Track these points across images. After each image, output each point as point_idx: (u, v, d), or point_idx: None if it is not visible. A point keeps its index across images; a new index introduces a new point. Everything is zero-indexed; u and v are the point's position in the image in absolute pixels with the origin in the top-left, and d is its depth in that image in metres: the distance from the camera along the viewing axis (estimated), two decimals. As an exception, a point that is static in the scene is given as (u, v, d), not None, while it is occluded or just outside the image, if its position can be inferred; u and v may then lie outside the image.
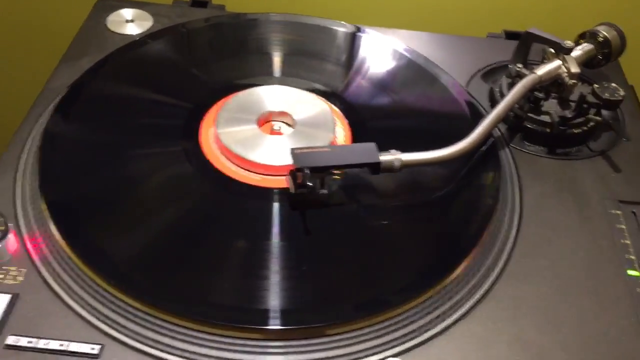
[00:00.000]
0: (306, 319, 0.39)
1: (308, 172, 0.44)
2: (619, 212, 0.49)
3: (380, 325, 0.40)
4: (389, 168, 0.46)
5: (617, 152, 0.54)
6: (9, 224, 0.43)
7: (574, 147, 0.55)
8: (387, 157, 0.46)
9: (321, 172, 0.45)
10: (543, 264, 0.45)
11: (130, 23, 0.64)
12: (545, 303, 0.43)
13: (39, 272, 0.42)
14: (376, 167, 0.46)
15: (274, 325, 0.39)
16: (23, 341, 0.39)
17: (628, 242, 0.47)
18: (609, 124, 0.54)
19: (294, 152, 0.45)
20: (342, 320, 0.39)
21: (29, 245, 0.43)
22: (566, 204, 0.50)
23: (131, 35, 0.62)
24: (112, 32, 0.63)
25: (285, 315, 0.39)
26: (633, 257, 0.46)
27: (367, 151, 0.46)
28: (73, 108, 0.51)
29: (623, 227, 0.48)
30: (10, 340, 0.39)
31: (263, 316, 0.39)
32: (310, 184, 0.43)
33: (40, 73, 0.61)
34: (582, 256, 0.46)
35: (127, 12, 0.64)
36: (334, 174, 0.46)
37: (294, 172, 0.45)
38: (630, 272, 0.45)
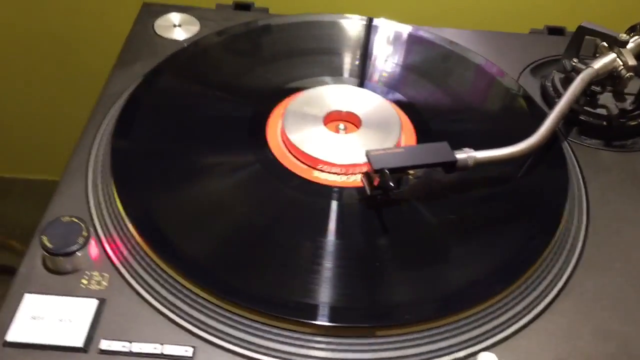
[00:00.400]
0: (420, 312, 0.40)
1: (388, 173, 0.44)
2: (685, 201, 0.50)
3: (472, 318, 0.40)
4: (464, 166, 0.47)
5: (673, 143, 0.55)
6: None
7: (630, 139, 0.55)
8: (462, 155, 0.46)
9: (398, 172, 0.45)
10: (616, 255, 0.46)
11: (177, 27, 0.64)
12: (623, 293, 0.43)
13: (123, 276, 0.42)
14: (452, 166, 0.46)
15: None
16: (116, 345, 0.39)
17: (696, 232, 0.48)
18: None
19: (370, 154, 0.45)
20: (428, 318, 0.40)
21: (109, 250, 0.44)
22: (631, 195, 0.50)
23: (180, 41, 0.62)
24: (161, 37, 0.63)
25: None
26: (703, 247, 0.47)
27: (441, 150, 0.46)
28: (139, 111, 0.52)
29: (689, 217, 0.49)
30: (104, 345, 0.39)
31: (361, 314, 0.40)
32: (392, 184, 0.44)
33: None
34: (653, 247, 0.47)
35: (175, 17, 0.65)
36: (410, 174, 0.47)
37: (370, 174, 0.46)
38: (702, 261, 0.46)
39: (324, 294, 0.41)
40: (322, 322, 0.39)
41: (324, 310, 0.40)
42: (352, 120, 0.52)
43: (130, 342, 0.39)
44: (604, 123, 0.55)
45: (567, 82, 0.56)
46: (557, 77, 0.58)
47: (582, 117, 0.55)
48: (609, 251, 0.46)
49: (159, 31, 0.63)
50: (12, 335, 0.39)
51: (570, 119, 0.56)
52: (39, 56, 0.97)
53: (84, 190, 0.47)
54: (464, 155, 0.46)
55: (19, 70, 1.00)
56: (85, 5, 0.89)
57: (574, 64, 0.56)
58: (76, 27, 0.92)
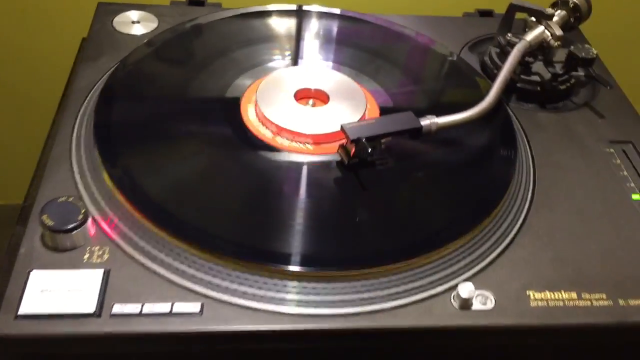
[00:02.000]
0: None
1: (364, 142, 0.49)
2: (612, 150, 0.57)
3: (449, 256, 0.45)
4: (428, 131, 0.52)
5: (596, 103, 0.63)
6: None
7: (560, 102, 0.62)
8: (425, 121, 0.52)
9: (373, 140, 0.50)
10: (561, 196, 0.52)
11: (136, 24, 0.66)
12: (571, 226, 0.50)
13: (121, 248, 0.44)
14: (418, 132, 0.51)
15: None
16: (128, 308, 0.41)
17: (626, 174, 0.55)
18: (593, 76, 0.62)
19: (346, 127, 0.50)
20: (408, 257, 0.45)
21: (105, 225, 0.46)
22: (567, 147, 0.57)
23: (139, 36, 0.65)
24: (121, 33, 0.65)
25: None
26: (633, 185, 0.54)
27: (408, 119, 0.52)
28: (116, 95, 0.54)
29: (618, 162, 0.56)
30: (116, 308, 0.41)
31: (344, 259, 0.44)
32: (370, 149, 0.48)
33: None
34: (591, 188, 0.53)
35: (133, 14, 0.67)
36: (381, 143, 0.51)
37: (345, 146, 0.50)
38: (635, 196, 0.53)
39: (311, 245, 0.45)
40: (302, 268, 0.43)
41: (307, 259, 0.44)
42: (320, 97, 0.56)
43: (142, 304, 0.41)
44: (538, 88, 0.61)
45: (503, 55, 0.62)
46: (494, 52, 0.64)
47: (519, 85, 0.62)
48: (555, 193, 0.52)
49: (118, 28, 0.66)
50: (24, 308, 0.40)
51: (509, 87, 0.62)
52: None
53: (71, 175, 0.49)
54: (428, 121, 0.52)
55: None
56: (35, 19, 0.89)
57: (508, 38, 0.62)
58: (25, 40, 0.92)
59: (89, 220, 0.45)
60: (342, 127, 0.49)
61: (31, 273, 0.42)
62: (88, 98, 0.56)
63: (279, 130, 0.52)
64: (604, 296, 0.45)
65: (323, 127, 0.52)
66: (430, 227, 0.47)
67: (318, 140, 0.52)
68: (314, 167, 0.51)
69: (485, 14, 0.73)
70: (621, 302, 0.45)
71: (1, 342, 0.39)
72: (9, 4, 0.87)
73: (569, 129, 0.59)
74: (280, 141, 0.52)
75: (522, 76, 0.62)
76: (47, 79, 0.76)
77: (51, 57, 0.88)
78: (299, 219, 0.46)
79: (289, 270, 0.43)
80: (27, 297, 0.41)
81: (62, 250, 0.44)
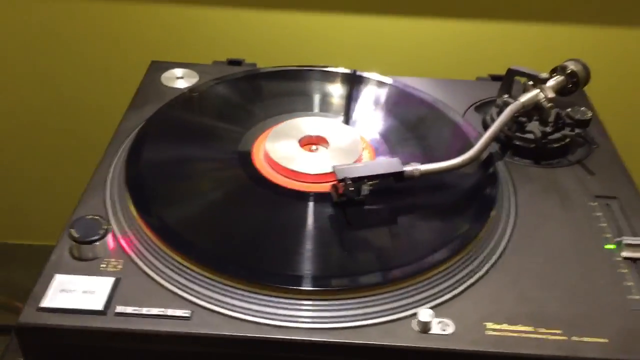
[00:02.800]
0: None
1: (350, 181, 0.55)
2: (595, 204, 0.61)
3: (411, 287, 0.50)
4: (411, 176, 0.58)
5: (589, 161, 0.66)
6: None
7: (555, 159, 0.66)
8: (408, 167, 0.58)
9: (358, 181, 0.56)
10: (537, 242, 0.56)
11: (180, 79, 0.76)
12: (541, 269, 0.53)
13: (134, 262, 0.52)
14: (400, 176, 0.57)
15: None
16: (129, 309, 0.48)
17: (604, 225, 0.58)
18: (580, 136, 0.66)
19: (336, 168, 0.57)
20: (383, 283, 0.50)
21: (123, 242, 0.54)
22: (552, 198, 0.61)
23: (181, 89, 0.75)
24: (166, 86, 0.75)
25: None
26: (609, 236, 0.57)
27: (393, 164, 0.58)
28: (148, 138, 0.63)
29: (599, 214, 0.59)
30: (119, 309, 0.48)
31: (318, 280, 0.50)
32: (352, 188, 0.55)
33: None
34: (567, 235, 0.57)
35: (178, 71, 0.77)
36: (368, 184, 0.57)
37: (336, 185, 0.57)
38: (607, 246, 0.56)
39: (302, 266, 0.51)
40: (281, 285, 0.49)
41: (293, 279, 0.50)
42: (322, 142, 0.64)
43: (140, 307, 0.49)
44: (532, 145, 0.66)
45: (500, 114, 0.68)
46: (494, 112, 0.70)
47: (514, 142, 0.67)
48: (532, 238, 0.56)
49: (164, 82, 0.76)
50: (45, 302, 0.48)
51: (506, 143, 0.67)
52: (45, 123, 1.10)
53: (102, 199, 0.58)
54: (410, 167, 0.58)
55: (26, 138, 1.13)
56: (94, 72, 1.03)
57: (505, 99, 0.68)
58: (85, 94, 1.06)
59: (109, 236, 0.53)
60: (333, 167, 0.56)
61: (55, 276, 0.51)
62: (129, 138, 0.66)
63: (282, 170, 0.60)
64: (559, 331, 0.48)
65: (321, 169, 0.59)
66: (408, 258, 0.52)
67: (313, 179, 0.59)
68: (299, 203, 0.58)
69: (497, 78, 0.79)
70: (575, 338, 0.48)
71: (24, 330, 0.48)
72: (79, 63, 1.02)
73: (557, 183, 0.63)
74: (280, 179, 0.60)
75: (518, 134, 0.67)
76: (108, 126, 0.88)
77: (108, 106, 1.01)
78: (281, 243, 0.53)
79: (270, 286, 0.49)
80: (49, 295, 0.49)
81: (84, 259, 0.52)
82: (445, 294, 0.51)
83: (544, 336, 0.48)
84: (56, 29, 1.00)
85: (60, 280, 0.50)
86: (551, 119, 0.66)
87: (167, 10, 0.97)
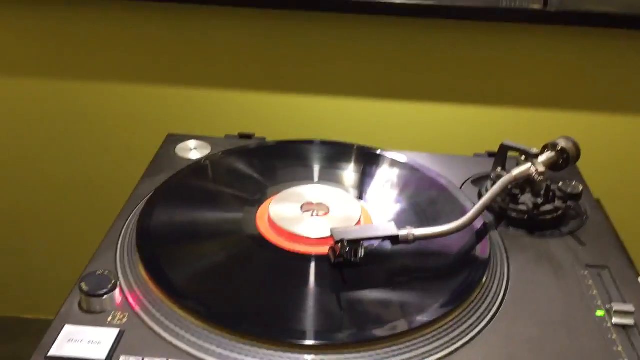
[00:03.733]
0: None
1: (346, 242, 0.58)
2: (586, 273, 0.63)
3: (401, 346, 0.52)
4: (405, 240, 0.60)
5: (582, 232, 0.69)
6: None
7: (548, 230, 0.69)
8: (403, 231, 0.61)
9: (355, 243, 0.59)
10: (528, 308, 0.58)
11: (194, 150, 0.81)
12: (530, 332, 0.55)
13: (138, 315, 0.55)
14: (395, 239, 0.60)
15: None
16: (132, 359, 0.51)
17: (595, 293, 0.60)
18: (572, 208, 0.69)
19: (333, 230, 0.60)
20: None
21: (129, 297, 0.56)
22: (544, 267, 0.63)
23: (194, 160, 0.79)
24: (180, 157, 0.80)
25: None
26: (599, 303, 0.59)
27: (388, 227, 0.61)
28: (159, 203, 0.67)
29: (590, 283, 0.61)
30: (122, 359, 0.51)
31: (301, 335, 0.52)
32: (348, 249, 0.58)
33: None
34: (559, 304, 0.58)
35: (192, 143, 0.82)
36: (364, 246, 0.60)
37: (333, 247, 0.60)
38: (598, 313, 0.58)
39: (307, 322, 0.53)
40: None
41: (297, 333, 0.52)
42: (322, 208, 0.67)
43: (142, 357, 0.51)
44: (525, 216, 0.69)
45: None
46: (489, 184, 0.73)
47: (508, 213, 0.70)
48: (523, 304, 0.58)
49: (179, 153, 0.81)
50: (53, 351, 0.51)
51: (500, 214, 0.70)
52: (65, 197, 1.16)
53: (113, 256, 0.61)
54: (405, 231, 0.61)
55: (45, 211, 1.18)
56: (115, 148, 1.09)
57: (498, 172, 0.71)
58: (106, 168, 1.12)
59: (117, 290, 0.56)
60: (331, 230, 0.59)
61: (64, 327, 0.53)
62: (141, 203, 0.70)
63: (284, 233, 0.63)
64: (547, 393, 0.49)
65: (321, 233, 0.62)
66: (399, 317, 0.54)
67: (313, 242, 0.62)
68: (300, 263, 0.60)
69: (493, 155, 0.83)
70: (563, 400, 0.49)
71: (31, 376, 0.50)
72: (101, 139, 1.08)
73: (549, 253, 0.65)
74: (282, 242, 0.63)
75: (511, 205, 0.70)
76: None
77: (126, 177, 1.06)
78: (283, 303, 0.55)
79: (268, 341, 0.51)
80: (57, 344, 0.52)
81: (92, 312, 0.55)
82: (435, 353, 0.52)
83: (532, 397, 0.49)
84: (82, 107, 1.07)
85: (68, 331, 0.53)
86: (542, 191, 0.69)
87: (184, 91, 1.04)
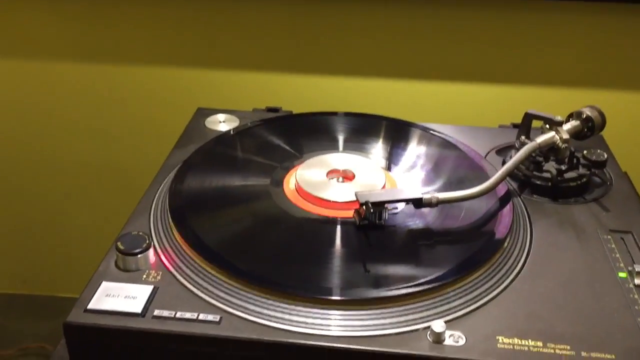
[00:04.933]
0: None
1: (370, 205, 0.60)
2: (609, 237, 0.63)
3: (427, 302, 0.54)
4: (428, 203, 0.62)
5: (606, 199, 0.69)
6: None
7: (572, 198, 0.70)
8: (427, 195, 0.62)
9: (378, 205, 0.61)
10: (550, 269, 0.59)
11: (222, 123, 0.84)
12: (552, 292, 0.56)
13: (171, 273, 0.57)
14: (419, 202, 0.62)
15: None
16: (165, 313, 0.53)
17: (618, 256, 0.61)
18: (597, 175, 0.70)
19: (358, 193, 0.61)
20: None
21: (162, 256, 0.59)
22: (567, 232, 0.64)
23: (222, 132, 0.82)
24: (210, 129, 0.83)
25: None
26: (622, 265, 0.59)
27: (412, 190, 0.62)
28: (191, 169, 0.70)
29: (613, 246, 0.62)
30: (156, 312, 0.53)
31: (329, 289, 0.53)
32: (372, 211, 0.59)
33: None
34: (581, 264, 0.59)
35: (221, 116, 0.85)
36: (387, 208, 0.62)
37: (358, 209, 0.62)
38: (621, 274, 0.58)
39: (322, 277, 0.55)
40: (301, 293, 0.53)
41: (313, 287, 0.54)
42: (348, 175, 0.69)
43: (175, 311, 0.53)
44: (549, 184, 0.70)
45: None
46: (513, 153, 0.74)
47: (532, 180, 0.70)
48: (545, 265, 0.59)
49: (208, 125, 0.83)
50: (92, 304, 0.54)
51: (524, 182, 0.71)
52: (102, 179, 1.20)
53: (148, 220, 0.64)
54: (429, 195, 0.62)
55: (79, 195, 1.22)
56: (145, 130, 1.12)
57: (522, 141, 0.72)
58: (140, 145, 1.15)
59: (151, 250, 0.59)
60: (355, 193, 0.61)
61: (102, 283, 0.56)
62: (172, 171, 0.72)
63: (310, 198, 0.65)
64: (568, 347, 0.50)
65: (346, 197, 0.64)
66: (425, 275, 0.56)
67: (338, 206, 0.64)
68: (325, 226, 0.62)
69: (518, 126, 0.83)
70: (584, 354, 0.50)
71: (71, 328, 0.53)
72: (128, 121, 1.12)
73: (572, 218, 0.66)
74: (309, 206, 0.65)
75: (535, 172, 0.70)
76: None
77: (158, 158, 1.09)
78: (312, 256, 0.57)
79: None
80: (95, 299, 0.54)
81: (128, 270, 0.58)
82: (460, 310, 0.54)
83: (553, 351, 0.50)
84: (113, 89, 1.10)
85: (105, 287, 0.56)
86: (567, 159, 0.70)
87: (214, 71, 1.06)
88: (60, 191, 1.23)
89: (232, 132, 0.80)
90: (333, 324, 0.52)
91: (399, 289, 0.54)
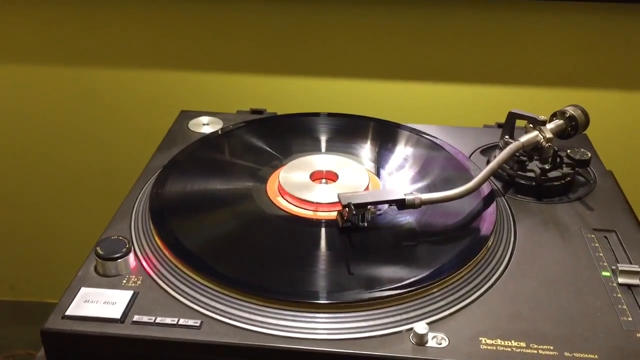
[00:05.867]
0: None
1: (352, 206, 0.59)
2: (593, 236, 0.63)
3: (409, 304, 0.53)
4: (412, 204, 0.61)
5: (590, 198, 0.69)
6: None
7: (556, 197, 0.69)
8: (410, 196, 0.62)
9: (361, 207, 0.60)
10: (534, 268, 0.58)
11: (206, 125, 0.83)
12: (535, 292, 0.55)
13: (152, 278, 0.56)
14: (402, 203, 0.61)
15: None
16: (145, 318, 0.52)
17: (601, 255, 0.60)
18: (580, 174, 0.70)
19: (340, 195, 0.61)
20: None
21: (143, 261, 0.58)
22: (551, 231, 0.64)
23: (206, 134, 0.81)
24: (193, 132, 0.82)
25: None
26: (606, 264, 0.59)
27: (394, 191, 0.62)
28: (172, 172, 0.69)
29: (597, 245, 0.62)
30: (135, 317, 0.52)
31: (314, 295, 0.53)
32: (355, 213, 0.59)
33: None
34: (565, 264, 0.59)
35: (204, 119, 0.84)
36: (370, 210, 0.61)
37: (341, 211, 0.61)
38: (604, 273, 0.58)
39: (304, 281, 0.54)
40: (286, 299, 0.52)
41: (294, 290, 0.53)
42: (331, 176, 0.68)
43: (155, 316, 0.52)
44: (532, 183, 0.69)
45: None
46: (498, 152, 0.74)
47: (516, 180, 0.70)
48: (529, 265, 0.59)
49: (191, 128, 0.83)
50: (70, 311, 0.53)
51: (509, 182, 0.71)
52: (86, 184, 1.18)
53: (128, 223, 0.63)
54: (412, 196, 0.61)
55: (64, 198, 1.21)
56: (129, 133, 1.12)
57: (505, 140, 0.72)
58: (123, 149, 1.14)
59: (131, 254, 0.58)
60: (338, 195, 0.60)
61: (81, 289, 0.55)
62: (154, 175, 0.71)
63: (293, 199, 0.64)
64: (551, 348, 0.50)
65: (329, 198, 0.64)
66: (407, 277, 0.55)
67: (321, 208, 0.63)
68: (308, 228, 0.62)
69: (502, 126, 0.83)
70: (567, 354, 0.50)
71: (49, 335, 0.52)
72: (118, 122, 1.10)
73: (556, 217, 0.66)
74: (291, 208, 0.64)
75: (519, 172, 0.70)
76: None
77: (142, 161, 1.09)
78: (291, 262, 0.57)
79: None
80: (74, 305, 0.53)
81: (108, 275, 0.57)
82: (443, 311, 0.53)
83: (536, 351, 0.50)
84: (96, 92, 1.09)
85: (84, 292, 0.55)
86: (550, 158, 0.70)
87: (197, 73, 1.06)
88: (47, 195, 1.21)
89: (219, 132, 0.79)
90: (315, 327, 0.51)
91: (381, 290, 0.54)
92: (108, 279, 0.57)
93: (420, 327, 0.50)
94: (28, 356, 1.26)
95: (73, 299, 0.54)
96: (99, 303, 0.54)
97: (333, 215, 0.63)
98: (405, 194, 0.61)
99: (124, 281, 0.56)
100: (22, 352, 1.27)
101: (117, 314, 0.52)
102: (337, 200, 0.62)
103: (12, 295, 1.35)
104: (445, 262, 0.57)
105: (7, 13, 1.04)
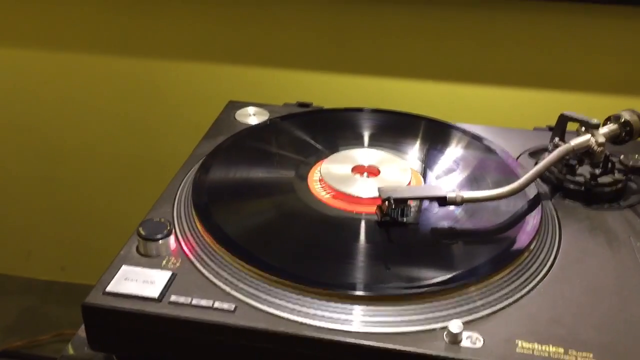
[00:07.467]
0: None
1: (392, 201, 0.59)
2: (643, 245, 0.61)
3: (445, 301, 0.52)
4: (453, 201, 0.60)
5: (641, 206, 0.67)
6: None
7: (606, 203, 0.67)
8: (451, 193, 0.61)
9: (401, 202, 0.60)
10: (578, 274, 0.56)
11: (252, 116, 0.84)
12: (577, 298, 0.54)
13: (190, 261, 0.57)
14: (443, 200, 0.60)
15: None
16: (181, 299, 0.53)
17: (650, 264, 0.58)
18: (632, 181, 0.67)
19: (381, 188, 0.61)
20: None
21: (183, 244, 0.59)
22: (598, 238, 0.61)
23: (252, 125, 0.82)
24: (239, 122, 0.83)
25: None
26: (654, 274, 0.57)
27: (436, 188, 0.61)
28: (216, 159, 0.70)
29: (646, 255, 0.59)
30: (172, 298, 0.53)
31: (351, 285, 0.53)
32: (394, 207, 0.58)
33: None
34: (611, 271, 0.57)
35: (251, 109, 0.85)
36: (411, 205, 0.61)
37: (380, 205, 0.61)
38: (652, 284, 0.56)
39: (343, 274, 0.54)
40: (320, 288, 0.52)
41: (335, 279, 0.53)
42: (373, 171, 0.68)
43: (191, 298, 0.53)
44: (582, 188, 0.67)
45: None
46: (547, 155, 0.72)
47: (564, 184, 0.68)
48: (573, 270, 0.57)
49: (238, 118, 0.83)
50: (110, 287, 0.54)
51: (557, 185, 0.69)
52: (136, 175, 1.21)
53: (171, 208, 0.64)
54: (454, 193, 0.60)
55: (123, 181, 1.24)
56: (179, 125, 1.14)
57: (555, 142, 0.70)
58: (172, 136, 1.16)
59: (172, 237, 0.59)
60: (378, 189, 0.60)
61: (122, 267, 0.56)
62: (200, 162, 0.72)
63: (334, 192, 0.64)
64: (591, 355, 0.48)
65: (370, 192, 0.63)
66: (445, 273, 0.55)
67: (361, 201, 0.63)
68: (349, 220, 0.62)
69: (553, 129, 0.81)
70: (607, 362, 0.48)
71: (89, 309, 0.53)
72: (170, 112, 1.13)
73: (604, 224, 0.64)
74: (331, 200, 0.64)
75: (568, 176, 0.68)
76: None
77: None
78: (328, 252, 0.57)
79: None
80: (114, 282, 0.55)
81: (148, 255, 0.58)
82: (481, 311, 0.52)
83: (574, 358, 0.48)
84: (148, 85, 1.12)
85: (125, 270, 0.56)
86: (601, 163, 0.68)
87: (248, 68, 1.07)
88: (99, 182, 1.25)
89: (268, 122, 0.80)
90: (349, 319, 0.51)
91: (419, 287, 0.53)
92: (148, 259, 0.58)
93: (455, 325, 0.49)
94: (75, 336, 1.30)
95: (114, 276, 0.55)
96: (138, 281, 0.55)
97: (372, 209, 0.62)
98: (447, 191, 0.60)
99: (164, 262, 0.57)
100: (70, 331, 1.30)
101: (155, 293, 0.53)
102: (377, 194, 0.61)
103: (62, 276, 1.40)
104: (484, 261, 0.56)
105: (63, 2, 1.07)
